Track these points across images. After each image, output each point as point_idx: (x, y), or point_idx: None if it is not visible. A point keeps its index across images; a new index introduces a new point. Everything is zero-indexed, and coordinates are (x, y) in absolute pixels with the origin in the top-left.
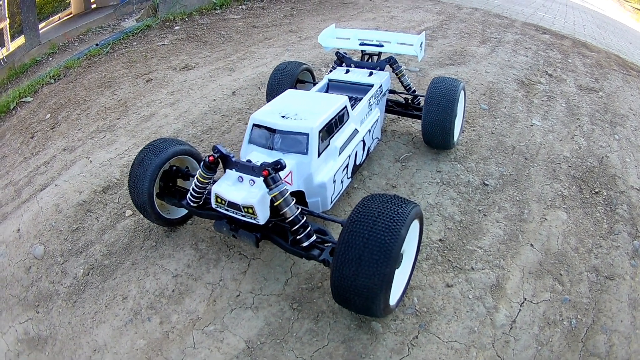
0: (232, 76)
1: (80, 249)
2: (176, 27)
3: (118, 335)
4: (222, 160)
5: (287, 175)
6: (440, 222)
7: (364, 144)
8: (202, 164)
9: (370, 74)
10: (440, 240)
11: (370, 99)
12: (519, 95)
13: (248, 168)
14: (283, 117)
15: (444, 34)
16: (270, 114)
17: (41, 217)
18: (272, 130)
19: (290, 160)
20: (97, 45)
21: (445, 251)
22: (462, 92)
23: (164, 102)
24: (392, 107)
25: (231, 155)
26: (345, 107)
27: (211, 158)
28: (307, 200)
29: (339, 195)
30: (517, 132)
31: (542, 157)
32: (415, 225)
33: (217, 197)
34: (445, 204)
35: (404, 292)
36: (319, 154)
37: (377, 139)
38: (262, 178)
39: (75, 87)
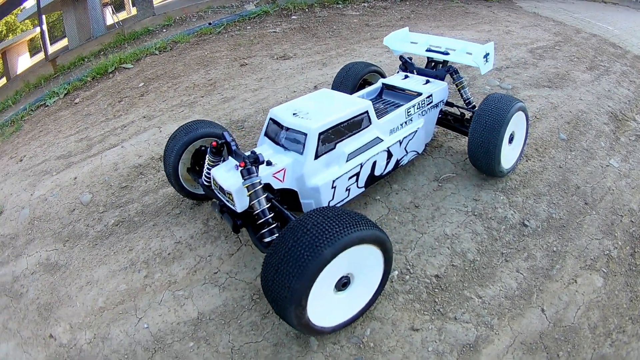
0: (322, 71)
1: (121, 203)
2: (293, 17)
3: (110, 276)
4: (227, 147)
5: (280, 172)
6: (446, 256)
7: (390, 155)
8: (209, 148)
9: (427, 82)
10: (436, 276)
11: (409, 108)
12: (606, 130)
13: (240, 157)
14: (294, 114)
15: (554, 55)
16: (285, 110)
17: (99, 171)
18: (281, 126)
19: (287, 158)
20: (210, 24)
21: (436, 290)
22: (522, 114)
23: (249, 87)
24: (449, 122)
25: (232, 144)
26: (366, 112)
27: (214, 143)
28: (301, 201)
29: (341, 203)
30: (589, 170)
31: (605, 204)
32: (367, 250)
33: (213, 179)
34: (464, 237)
35: (353, 319)
36: (317, 156)
37: (414, 152)
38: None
39: (175, 62)
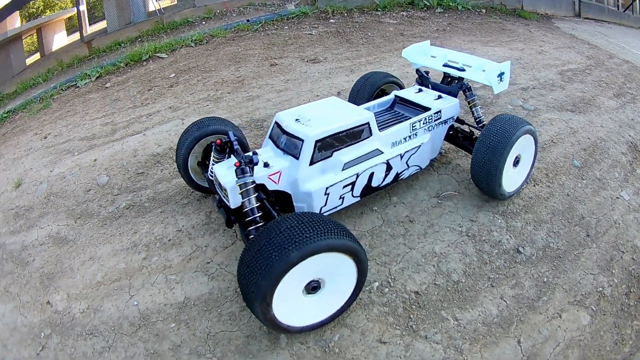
0: (349, 77)
1: (135, 188)
2: (331, 20)
3: (112, 255)
4: (229, 146)
5: (275, 174)
6: (430, 273)
7: (389, 168)
8: (213, 145)
9: (439, 97)
10: (416, 292)
11: (414, 123)
12: (623, 160)
13: (239, 157)
14: (296, 120)
15: (583, 79)
16: (289, 115)
17: (119, 155)
18: (283, 130)
19: (284, 162)
20: (248, 21)
21: (413, 306)
22: (530, 137)
23: (275, 87)
24: (458, 139)
25: (235, 143)
26: (367, 124)
27: (218, 141)
28: (294, 204)
29: (334, 210)
30: (597, 201)
31: (607, 238)
32: (338, 258)
33: (214, 174)
34: (452, 257)
35: (323, 323)
36: (312, 163)
37: (416, 167)
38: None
39: (209, 55)
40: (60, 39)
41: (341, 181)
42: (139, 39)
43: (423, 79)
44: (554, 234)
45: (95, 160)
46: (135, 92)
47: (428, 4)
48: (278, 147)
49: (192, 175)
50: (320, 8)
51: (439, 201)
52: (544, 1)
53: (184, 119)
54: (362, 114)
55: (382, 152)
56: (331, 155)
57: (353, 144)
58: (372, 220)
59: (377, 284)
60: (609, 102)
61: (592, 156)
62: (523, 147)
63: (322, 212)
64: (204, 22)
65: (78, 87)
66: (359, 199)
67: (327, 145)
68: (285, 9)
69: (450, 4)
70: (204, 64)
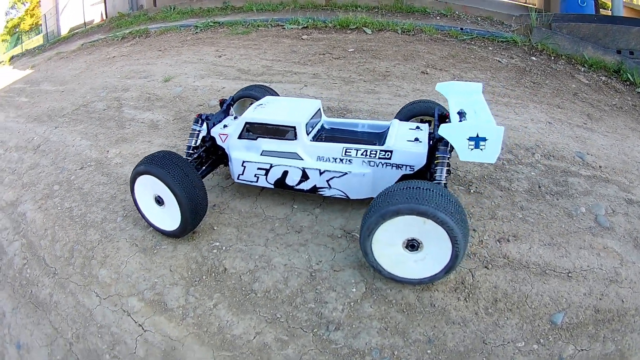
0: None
1: (192, 109)
2: (533, 57)
3: (156, 144)
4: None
5: (224, 135)
6: (245, 268)
7: (306, 176)
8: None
9: (415, 140)
10: (224, 270)
11: (349, 149)
12: None
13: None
14: (259, 105)
15: None
16: (263, 100)
17: (202, 84)
18: None
19: (232, 130)
20: (461, 29)
21: (212, 274)
22: (433, 225)
23: (398, 92)
24: None
25: (225, 105)
26: (294, 128)
27: (220, 100)
28: (228, 162)
29: (250, 183)
30: None
31: None
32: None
33: None
34: (274, 275)
35: (168, 233)
36: (240, 138)
37: (340, 192)
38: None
39: (398, 46)
40: None
41: (256, 162)
42: (374, 9)
43: (434, 118)
44: (380, 349)
45: (224, 87)
46: (313, 52)
47: (631, 79)
48: None
49: None
50: (532, 42)
51: (341, 235)
52: None
53: (307, 86)
54: (295, 118)
55: (302, 159)
56: (256, 139)
57: (277, 139)
58: (279, 212)
59: (217, 243)
60: None
61: (596, 327)
62: (422, 232)
63: (239, 178)
64: (438, 17)
65: (284, 29)
66: (272, 187)
67: (255, 130)
68: (500, 31)
69: None
70: (382, 51)
